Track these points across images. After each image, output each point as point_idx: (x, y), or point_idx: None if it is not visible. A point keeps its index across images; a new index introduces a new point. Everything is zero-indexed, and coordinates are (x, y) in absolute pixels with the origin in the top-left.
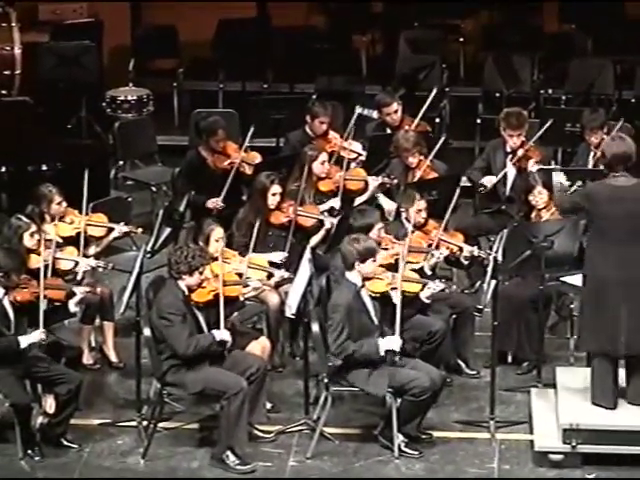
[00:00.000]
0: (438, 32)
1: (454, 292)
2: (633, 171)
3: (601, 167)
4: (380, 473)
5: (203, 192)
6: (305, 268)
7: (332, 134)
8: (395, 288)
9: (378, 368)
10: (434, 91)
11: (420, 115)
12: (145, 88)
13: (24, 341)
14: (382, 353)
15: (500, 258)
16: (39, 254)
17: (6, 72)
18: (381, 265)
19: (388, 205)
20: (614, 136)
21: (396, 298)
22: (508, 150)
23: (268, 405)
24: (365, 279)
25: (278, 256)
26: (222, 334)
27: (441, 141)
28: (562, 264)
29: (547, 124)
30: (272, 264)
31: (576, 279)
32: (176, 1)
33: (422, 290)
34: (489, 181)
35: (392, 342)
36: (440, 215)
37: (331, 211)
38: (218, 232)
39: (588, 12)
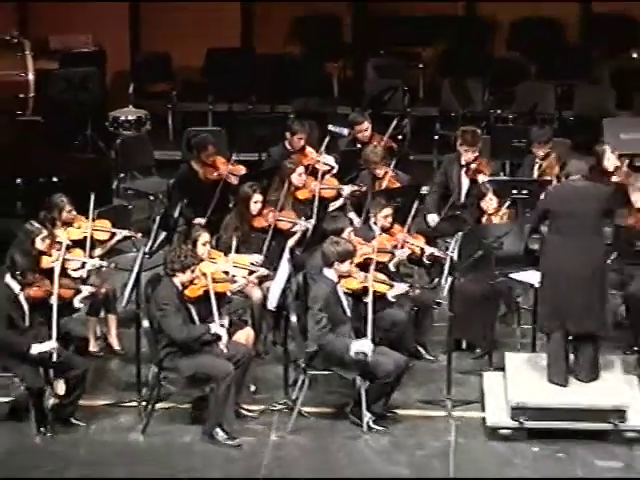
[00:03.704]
0: (401, 59)
1: (416, 291)
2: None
3: (547, 177)
4: (351, 446)
5: (195, 200)
6: (284, 266)
7: (308, 149)
8: (367, 287)
9: (349, 354)
10: (397, 114)
11: (388, 133)
12: (143, 109)
13: (35, 349)
14: (352, 354)
15: (456, 258)
16: (50, 255)
17: (21, 95)
18: (355, 265)
19: (355, 220)
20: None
21: (368, 299)
22: (463, 163)
23: (252, 387)
24: (341, 276)
25: (256, 258)
26: (218, 329)
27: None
28: (510, 263)
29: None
30: (255, 263)
31: (522, 276)
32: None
33: (389, 290)
34: (432, 220)
35: (364, 346)
36: (403, 220)
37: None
38: (204, 237)
39: (532, 41)
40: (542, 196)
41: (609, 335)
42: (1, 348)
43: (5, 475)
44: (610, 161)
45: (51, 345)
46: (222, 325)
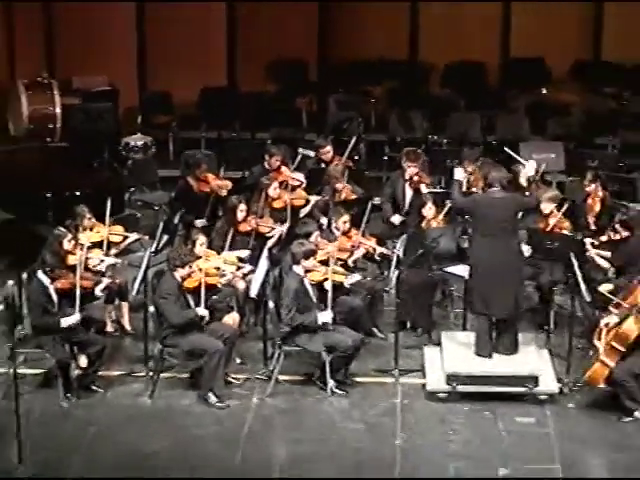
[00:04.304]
0: (356, 95)
1: (368, 280)
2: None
3: (473, 189)
4: (317, 407)
5: (190, 210)
6: (264, 263)
7: (282, 168)
8: (327, 278)
9: (316, 333)
10: (354, 139)
11: (346, 155)
12: (149, 136)
13: (64, 322)
14: (320, 323)
15: (401, 255)
16: (74, 255)
17: (50, 126)
18: (319, 261)
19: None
20: (494, 164)
21: (328, 286)
22: (407, 177)
23: (238, 360)
24: (307, 271)
25: (244, 253)
26: (202, 311)
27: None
28: (445, 259)
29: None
30: (240, 259)
31: (454, 269)
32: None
33: (346, 279)
34: (396, 220)
35: (326, 316)
36: (359, 224)
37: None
38: (202, 239)
39: (461, 80)
40: (469, 199)
41: (523, 318)
42: (36, 329)
43: (40, 432)
44: (524, 178)
45: (76, 318)
46: (206, 307)
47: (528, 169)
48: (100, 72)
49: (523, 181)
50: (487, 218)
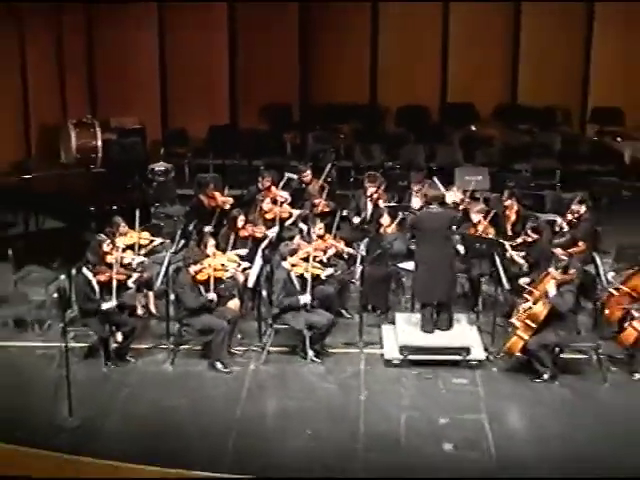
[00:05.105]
0: (329, 132)
1: (339, 273)
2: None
3: (419, 204)
4: (300, 372)
5: (202, 220)
6: (258, 260)
7: (272, 187)
8: (307, 271)
9: (299, 314)
10: (327, 166)
11: (322, 177)
12: (170, 163)
13: (104, 306)
14: (301, 304)
15: (364, 254)
16: (112, 255)
17: (93, 155)
18: (300, 258)
19: (305, 229)
20: (432, 185)
21: (308, 277)
22: (368, 194)
23: (239, 336)
24: (292, 266)
25: (243, 251)
26: (212, 295)
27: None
28: (397, 257)
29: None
30: (240, 257)
31: (405, 265)
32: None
33: (322, 272)
34: (355, 220)
35: (306, 298)
36: (331, 230)
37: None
38: (211, 242)
39: (410, 119)
40: (411, 218)
41: (457, 302)
42: (82, 312)
43: (85, 392)
44: (457, 195)
45: (113, 304)
46: (214, 295)
47: (449, 197)
48: (132, 114)
49: (457, 198)
50: (427, 228)
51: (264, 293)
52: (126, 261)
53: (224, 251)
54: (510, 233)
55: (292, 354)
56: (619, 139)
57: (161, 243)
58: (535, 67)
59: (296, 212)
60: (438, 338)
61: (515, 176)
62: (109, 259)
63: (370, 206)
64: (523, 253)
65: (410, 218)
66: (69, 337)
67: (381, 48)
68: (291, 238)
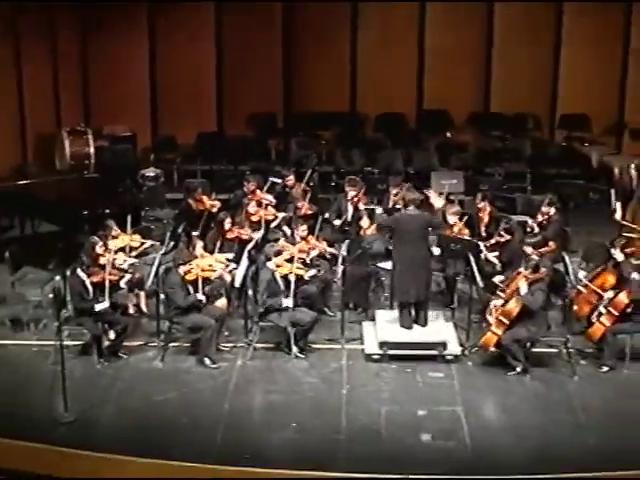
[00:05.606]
0: (312, 138)
1: (322, 273)
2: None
3: (397, 206)
4: (284, 367)
5: (190, 223)
6: (244, 261)
7: (257, 191)
8: (291, 272)
9: (283, 312)
10: (309, 171)
11: (305, 181)
12: (159, 169)
13: (97, 307)
14: (284, 306)
15: (345, 254)
16: (104, 256)
17: (86, 162)
18: (285, 259)
19: (288, 231)
20: (410, 189)
21: (292, 277)
22: (348, 198)
23: (226, 333)
24: (277, 266)
25: (230, 254)
26: (200, 296)
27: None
28: (377, 257)
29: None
30: (227, 258)
31: (384, 265)
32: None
33: (305, 272)
34: (337, 223)
35: (288, 301)
36: (314, 232)
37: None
38: (200, 244)
39: (388, 126)
40: (392, 217)
41: (433, 299)
42: (76, 312)
43: (80, 387)
44: (434, 199)
45: (106, 303)
46: (203, 294)
47: (437, 202)
48: (123, 122)
49: (434, 201)
50: (404, 229)
51: (250, 292)
52: (118, 262)
53: (212, 252)
54: (484, 234)
55: (277, 350)
56: (586, 144)
57: (151, 245)
58: (506, 77)
59: (280, 215)
60: (416, 334)
61: (488, 180)
62: (102, 261)
63: (351, 209)
64: (496, 253)
65: (385, 218)
66: (64, 335)
67: (360, 60)
68: (276, 240)
